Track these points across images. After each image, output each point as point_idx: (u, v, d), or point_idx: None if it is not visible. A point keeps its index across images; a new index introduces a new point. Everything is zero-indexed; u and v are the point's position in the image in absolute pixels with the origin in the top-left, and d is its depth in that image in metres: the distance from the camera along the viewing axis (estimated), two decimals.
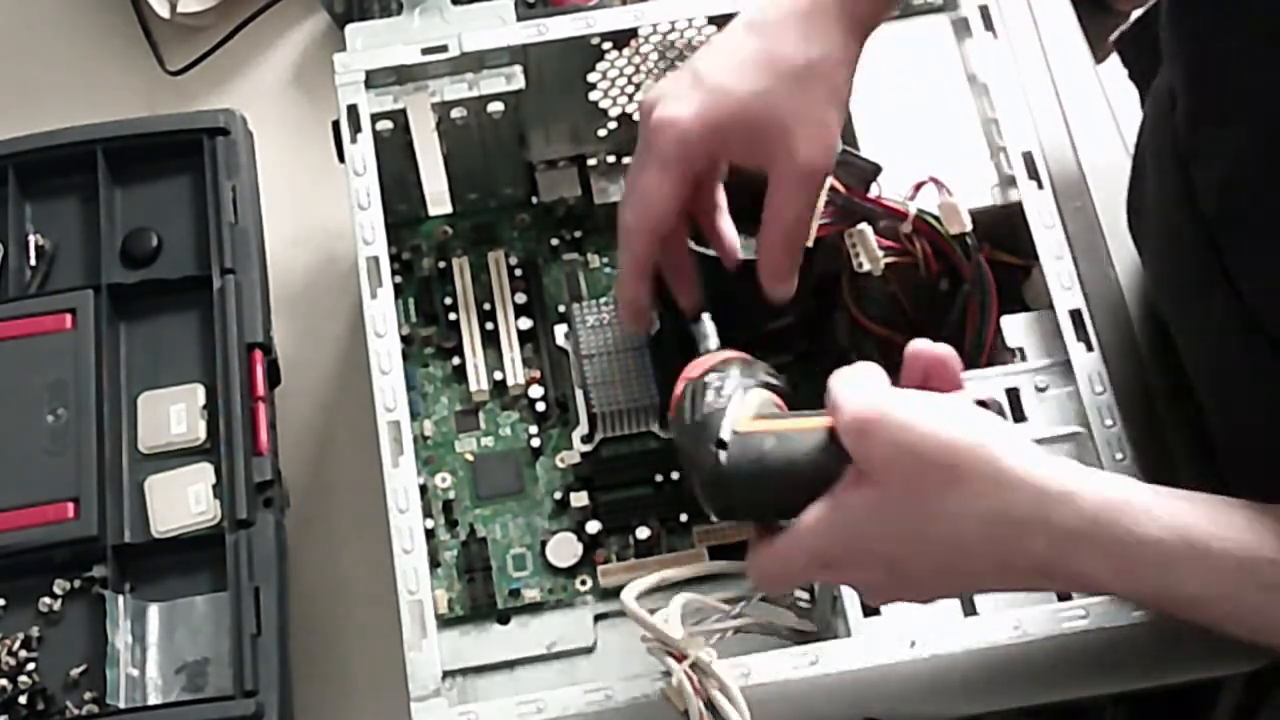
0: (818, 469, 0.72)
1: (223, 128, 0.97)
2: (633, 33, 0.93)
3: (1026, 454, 0.69)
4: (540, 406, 0.94)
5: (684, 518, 0.91)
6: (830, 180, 0.84)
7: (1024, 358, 0.85)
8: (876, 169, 0.87)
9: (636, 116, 0.96)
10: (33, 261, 0.95)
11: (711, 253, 0.88)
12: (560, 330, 0.95)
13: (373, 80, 0.93)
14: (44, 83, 1.11)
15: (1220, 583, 0.69)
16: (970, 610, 0.78)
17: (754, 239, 0.90)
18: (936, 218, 0.88)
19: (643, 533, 0.90)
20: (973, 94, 0.93)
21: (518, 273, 0.98)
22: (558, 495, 0.92)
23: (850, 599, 0.79)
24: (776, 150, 0.80)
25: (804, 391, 0.93)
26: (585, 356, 0.92)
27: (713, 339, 0.85)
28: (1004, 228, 0.89)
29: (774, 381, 0.80)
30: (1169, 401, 0.86)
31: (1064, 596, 0.78)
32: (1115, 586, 0.71)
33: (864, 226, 0.88)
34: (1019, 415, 0.82)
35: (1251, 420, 0.79)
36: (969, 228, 0.87)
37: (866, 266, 0.88)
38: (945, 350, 0.74)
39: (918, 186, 0.88)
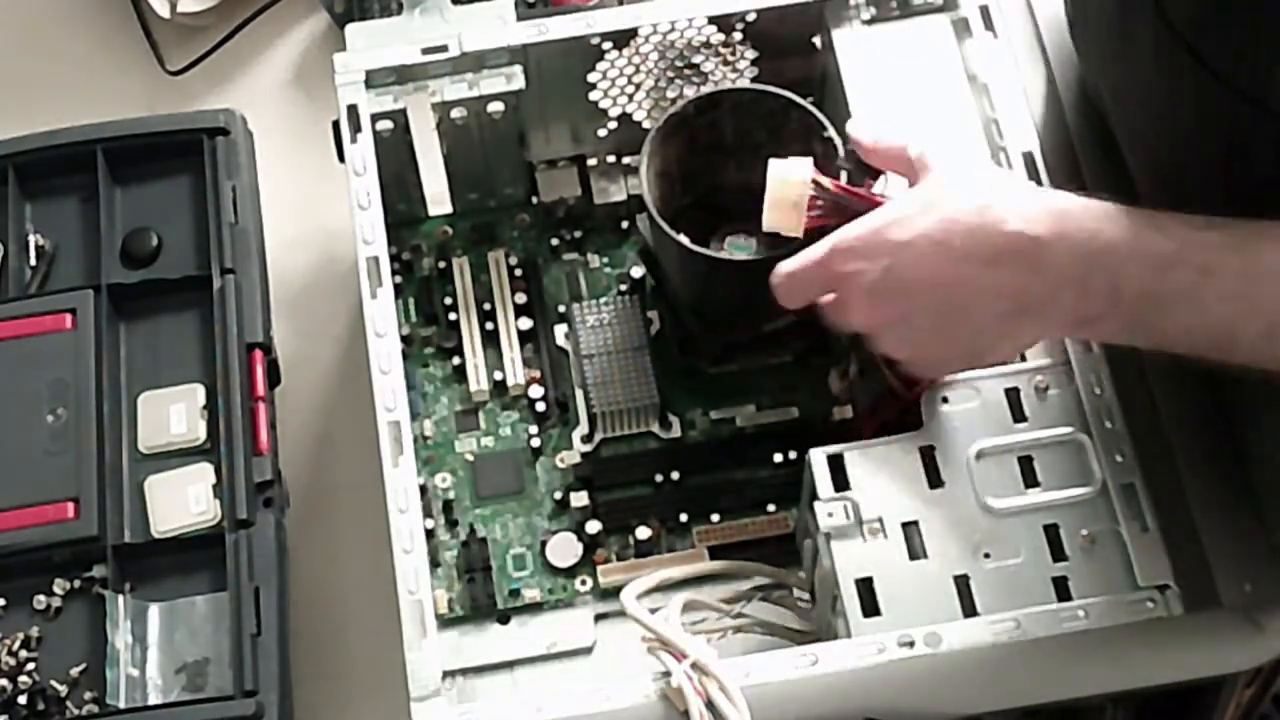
0: None
1: (223, 128, 0.97)
2: (633, 33, 0.93)
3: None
4: (540, 406, 0.94)
5: (684, 518, 0.91)
6: (820, 176, 0.84)
7: (1024, 358, 0.85)
8: (878, 170, 0.87)
9: (639, 116, 0.97)
10: (33, 261, 0.96)
11: (709, 252, 0.88)
12: (560, 330, 0.95)
13: (373, 80, 0.93)
14: (44, 83, 1.11)
15: None
16: (970, 610, 0.78)
17: (754, 239, 0.90)
18: None
19: (643, 533, 0.90)
20: (973, 94, 0.93)
21: (518, 273, 0.98)
22: (558, 495, 0.92)
23: (850, 599, 0.79)
24: None
25: (803, 392, 0.93)
26: (585, 356, 0.92)
27: None
28: None
29: None
30: (1169, 402, 0.86)
31: (1063, 596, 0.78)
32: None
33: None
34: (1019, 415, 0.82)
35: (1177, 152, 0.81)
36: None
37: None
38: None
39: (911, 182, 0.88)
